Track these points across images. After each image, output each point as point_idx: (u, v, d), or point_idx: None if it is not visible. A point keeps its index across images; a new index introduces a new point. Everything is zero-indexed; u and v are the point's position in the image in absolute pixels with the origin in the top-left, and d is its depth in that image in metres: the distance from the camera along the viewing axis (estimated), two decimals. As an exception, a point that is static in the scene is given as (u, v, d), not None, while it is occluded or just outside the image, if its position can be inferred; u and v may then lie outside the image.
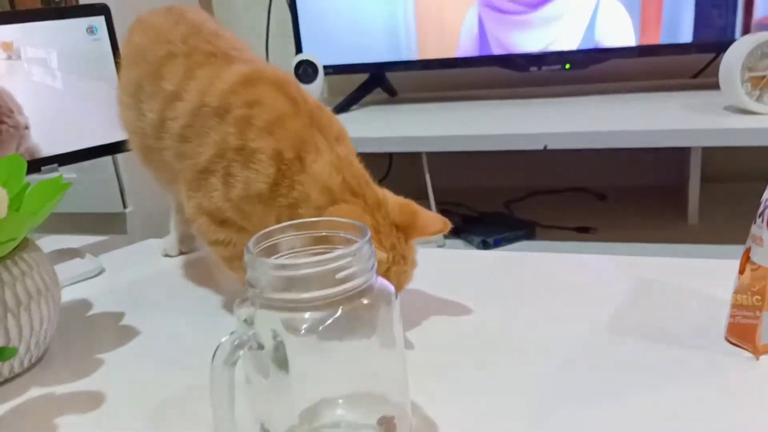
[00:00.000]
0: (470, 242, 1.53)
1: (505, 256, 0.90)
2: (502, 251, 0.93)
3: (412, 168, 1.88)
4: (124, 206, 1.55)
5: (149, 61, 0.72)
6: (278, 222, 0.61)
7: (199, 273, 0.87)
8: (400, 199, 0.66)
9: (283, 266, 0.44)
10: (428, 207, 1.57)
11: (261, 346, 0.44)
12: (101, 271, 0.90)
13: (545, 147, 1.32)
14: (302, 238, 0.50)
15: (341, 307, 0.44)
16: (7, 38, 0.84)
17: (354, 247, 0.44)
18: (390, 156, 1.90)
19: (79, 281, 0.87)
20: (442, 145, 1.41)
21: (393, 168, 1.90)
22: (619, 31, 1.60)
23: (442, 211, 1.61)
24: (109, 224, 1.56)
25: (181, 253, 0.92)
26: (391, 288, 0.47)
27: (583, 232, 1.52)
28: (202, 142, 0.66)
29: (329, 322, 0.44)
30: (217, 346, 0.43)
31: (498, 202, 1.79)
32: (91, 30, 0.90)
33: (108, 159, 1.51)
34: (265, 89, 0.66)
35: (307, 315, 0.44)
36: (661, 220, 1.57)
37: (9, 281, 0.61)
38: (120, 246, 1.00)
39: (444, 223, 0.66)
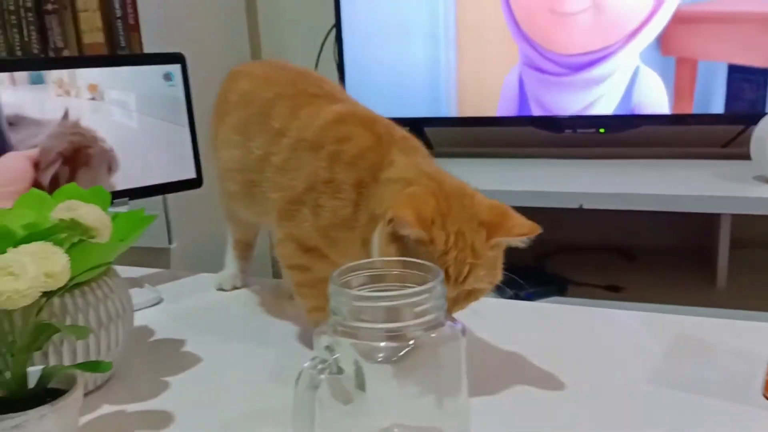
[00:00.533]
0: (501, 295, 1.56)
1: (543, 307, 0.93)
2: (535, 303, 0.97)
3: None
4: (170, 242, 1.62)
5: (258, 103, 0.80)
6: (364, 244, 0.67)
7: (253, 304, 0.92)
8: (494, 201, 0.67)
9: (366, 297, 0.49)
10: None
11: (341, 371, 0.48)
12: (160, 301, 0.95)
13: (581, 206, 1.36)
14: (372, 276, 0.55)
15: (413, 339, 0.49)
16: (94, 81, 0.92)
17: (429, 285, 0.49)
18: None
19: (140, 309, 0.92)
20: (480, 199, 1.46)
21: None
22: (654, 99, 1.66)
23: (474, 263, 1.65)
24: (153, 259, 1.62)
25: (234, 287, 0.97)
26: (459, 325, 0.51)
27: (612, 290, 1.55)
28: (297, 175, 0.72)
29: (403, 352, 0.48)
30: (301, 371, 0.48)
31: (528, 256, 1.82)
32: (167, 77, 0.98)
33: (155, 201, 1.58)
34: (355, 127, 0.72)
35: (382, 344, 0.48)
36: (689, 282, 1.60)
37: (93, 302, 0.66)
38: (171, 279, 1.05)
39: (531, 228, 0.66)
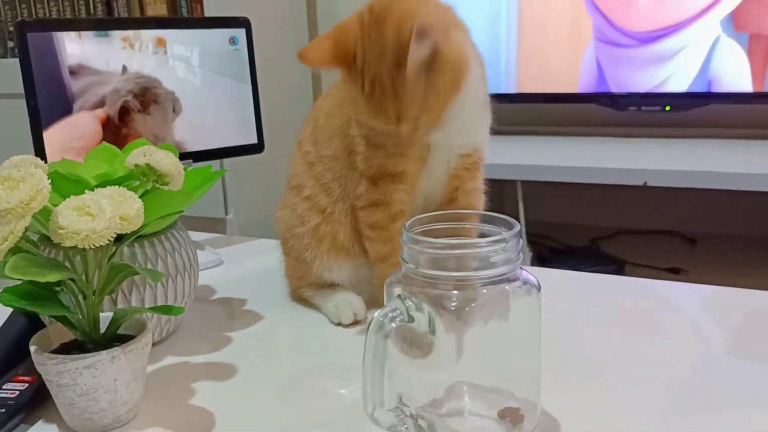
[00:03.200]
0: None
1: (604, 279, 0.91)
2: (599, 275, 0.94)
3: (501, 197, 1.90)
4: (226, 213, 1.64)
5: None
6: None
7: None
8: None
9: (440, 245, 0.48)
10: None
11: (412, 319, 0.48)
12: (221, 263, 0.96)
13: (645, 183, 1.32)
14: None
15: (486, 290, 0.48)
16: (160, 35, 0.93)
17: (503, 236, 0.48)
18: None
19: (203, 269, 0.93)
20: (540, 175, 1.44)
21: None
22: (733, 75, 1.59)
23: (530, 242, 1.63)
24: (210, 228, 1.64)
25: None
26: (535, 281, 0.50)
27: (674, 273, 1.51)
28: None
29: (474, 303, 0.47)
30: (372, 318, 0.47)
31: (585, 239, 1.79)
32: (233, 40, 0.98)
33: (216, 164, 1.60)
34: None
35: (455, 293, 0.47)
36: (754, 268, 1.54)
37: (162, 253, 0.67)
38: (231, 244, 1.06)
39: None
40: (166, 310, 0.54)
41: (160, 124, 0.96)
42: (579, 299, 0.80)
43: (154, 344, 0.70)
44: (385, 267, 0.71)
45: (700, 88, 1.62)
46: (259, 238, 1.06)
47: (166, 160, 0.57)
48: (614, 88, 1.69)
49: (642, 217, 1.84)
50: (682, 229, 1.80)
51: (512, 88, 1.77)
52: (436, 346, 0.49)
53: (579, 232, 1.82)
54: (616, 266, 1.54)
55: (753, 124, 1.75)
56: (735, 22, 1.55)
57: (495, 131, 1.72)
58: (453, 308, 0.47)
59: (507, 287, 0.49)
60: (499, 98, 1.81)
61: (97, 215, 0.50)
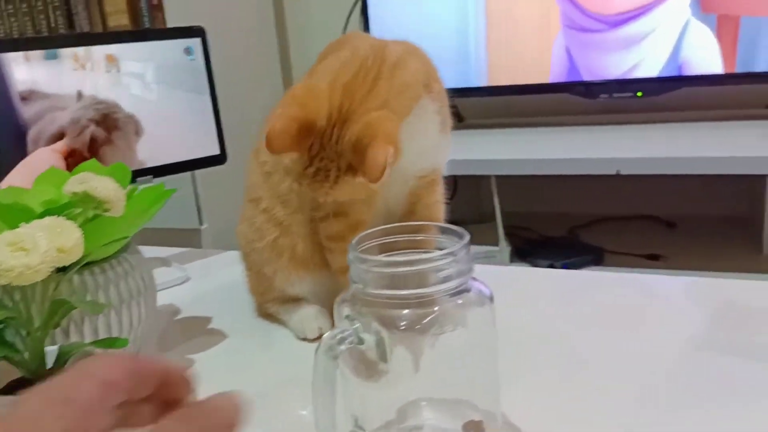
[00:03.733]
0: (537, 266, 1.53)
1: (578, 275, 0.90)
2: (574, 272, 0.93)
3: (476, 193, 1.89)
4: (200, 223, 1.61)
5: None
6: None
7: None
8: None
9: (387, 263, 0.46)
10: (494, 230, 1.59)
11: (362, 341, 0.46)
12: (187, 279, 0.94)
13: (618, 172, 1.31)
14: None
15: (437, 306, 0.46)
16: (111, 52, 0.91)
17: (454, 248, 0.46)
18: (455, 180, 1.92)
19: (167, 288, 0.91)
20: (513, 169, 1.42)
21: (458, 192, 1.92)
22: (703, 58, 1.58)
23: (508, 235, 1.62)
24: (185, 240, 1.62)
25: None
26: (487, 291, 0.49)
27: (652, 259, 1.50)
28: None
29: (427, 320, 0.46)
30: (321, 341, 0.46)
31: (563, 228, 1.78)
32: (188, 51, 0.96)
33: (187, 176, 1.58)
34: None
35: (405, 312, 0.46)
36: (733, 250, 1.54)
37: (113, 279, 0.65)
38: (202, 257, 1.04)
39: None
40: (109, 343, 0.52)
41: (125, 151, 0.93)
42: (555, 297, 0.79)
43: (113, 372, 0.68)
44: (347, 279, 0.69)
45: (671, 72, 1.61)
46: (234, 248, 1.03)
47: (104, 186, 0.55)
48: (586, 76, 1.68)
49: (620, 203, 1.84)
50: (660, 214, 1.80)
51: (483, 81, 1.76)
52: (390, 367, 0.47)
53: (557, 222, 1.81)
54: (595, 255, 1.53)
55: (725, 106, 1.75)
56: (702, 3, 1.54)
57: (467, 125, 1.71)
58: (404, 327, 0.46)
59: (459, 301, 0.47)
60: (469, 92, 1.82)
61: (32, 250, 0.48)
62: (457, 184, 1.92)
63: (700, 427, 0.51)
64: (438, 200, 0.73)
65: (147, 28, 1.60)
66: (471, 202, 1.91)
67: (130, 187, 0.65)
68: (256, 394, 0.61)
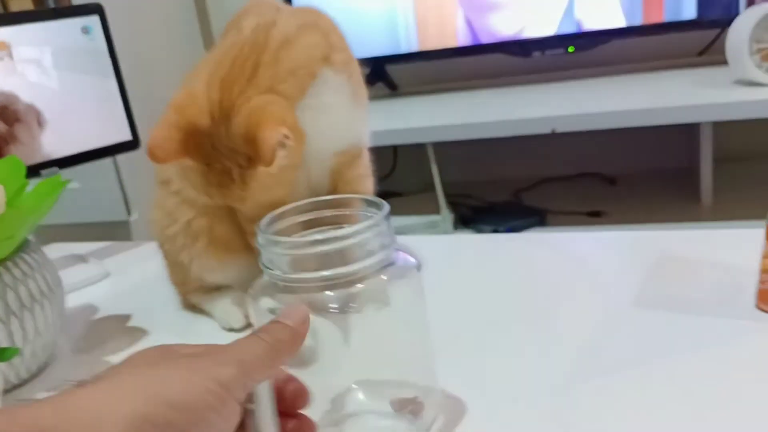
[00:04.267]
0: (480, 232, 1.51)
1: (519, 238, 0.87)
2: (515, 234, 0.90)
3: (418, 163, 1.86)
4: (128, 214, 1.54)
5: None
6: None
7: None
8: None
9: (304, 244, 0.42)
10: (436, 199, 1.55)
11: None
12: (106, 276, 0.88)
13: (553, 131, 1.29)
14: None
15: (361, 284, 0.42)
16: (1, 38, 0.83)
17: (372, 221, 0.42)
18: (395, 150, 1.88)
19: (85, 286, 0.85)
20: (448, 135, 1.39)
21: (398, 163, 1.88)
22: (609, 13, 1.57)
23: (451, 203, 1.59)
24: (113, 233, 1.54)
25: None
26: (414, 261, 0.45)
27: (594, 216, 1.50)
28: None
29: (353, 299, 0.42)
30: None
31: (507, 192, 1.76)
32: (85, 30, 0.89)
33: (110, 167, 1.50)
34: None
35: (331, 294, 0.42)
36: (673, 201, 1.54)
37: (11, 283, 0.59)
38: (124, 251, 0.98)
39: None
40: (-3, 354, 0.46)
41: (29, 144, 0.86)
42: (495, 261, 0.76)
43: (23, 383, 0.63)
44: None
45: (568, 29, 1.59)
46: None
47: (-25, 183, 0.49)
48: (496, 39, 1.64)
49: (561, 163, 1.83)
50: (601, 171, 1.80)
51: (413, 47, 1.71)
52: (321, 353, 0.44)
53: (500, 187, 1.79)
54: (539, 217, 1.52)
55: (656, 57, 1.75)
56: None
57: (401, 93, 1.66)
58: (330, 310, 0.42)
59: (384, 276, 0.43)
60: (400, 59, 1.77)
61: None
62: (397, 155, 1.89)
63: (641, 383, 0.49)
64: (362, 174, 0.69)
65: (38, 9, 1.50)
66: (412, 172, 1.87)
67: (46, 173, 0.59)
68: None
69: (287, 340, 0.37)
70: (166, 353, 0.35)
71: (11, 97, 0.85)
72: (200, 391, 0.31)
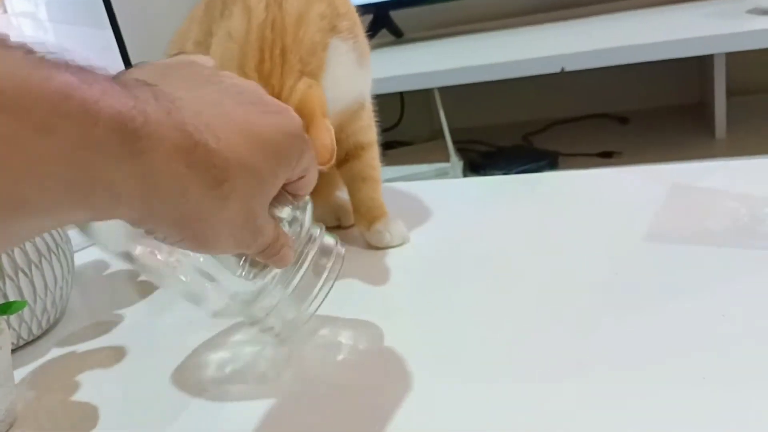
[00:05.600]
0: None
1: (529, 178, 0.86)
2: (525, 176, 0.89)
3: (426, 111, 1.83)
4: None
5: None
6: None
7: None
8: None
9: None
10: (445, 146, 1.53)
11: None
12: (116, 232, 0.88)
13: (562, 69, 1.26)
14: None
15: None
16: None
17: None
18: (401, 98, 1.85)
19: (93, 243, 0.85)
20: (454, 79, 1.36)
21: (406, 111, 1.85)
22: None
23: (460, 150, 1.57)
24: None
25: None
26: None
27: (606, 157, 1.47)
28: None
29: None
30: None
31: (517, 136, 1.74)
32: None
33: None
34: None
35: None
36: (687, 138, 1.51)
37: (16, 240, 0.59)
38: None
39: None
40: (4, 309, 0.46)
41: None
42: (505, 203, 0.75)
43: (37, 338, 0.63)
44: None
45: None
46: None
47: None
48: None
49: (571, 104, 1.79)
50: (612, 111, 1.76)
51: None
52: None
53: (510, 131, 1.77)
54: (550, 160, 1.49)
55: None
56: None
57: (407, 40, 1.62)
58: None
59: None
60: (406, 3, 1.72)
61: None
62: (404, 104, 1.86)
63: (657, 317, 0.48)
64: (364, 125, 0.68)
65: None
66: (420, 120, 1.85)
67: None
68: (183, 349, 0.56)
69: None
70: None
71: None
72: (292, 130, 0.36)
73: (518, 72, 1.29)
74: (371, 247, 0.68)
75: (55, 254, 0.63)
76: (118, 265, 0.78)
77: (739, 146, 1.40)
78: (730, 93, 1.46)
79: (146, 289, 0.70)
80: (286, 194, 0.40)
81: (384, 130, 0.72)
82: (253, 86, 0.38)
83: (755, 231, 0.58)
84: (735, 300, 0.49)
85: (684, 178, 0.71)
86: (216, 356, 0.55)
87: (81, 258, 0.77)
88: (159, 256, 0.43)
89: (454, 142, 1.54)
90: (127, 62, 0.92)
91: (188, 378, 0.52)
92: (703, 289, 0.51)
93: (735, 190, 0.67)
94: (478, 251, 0.64)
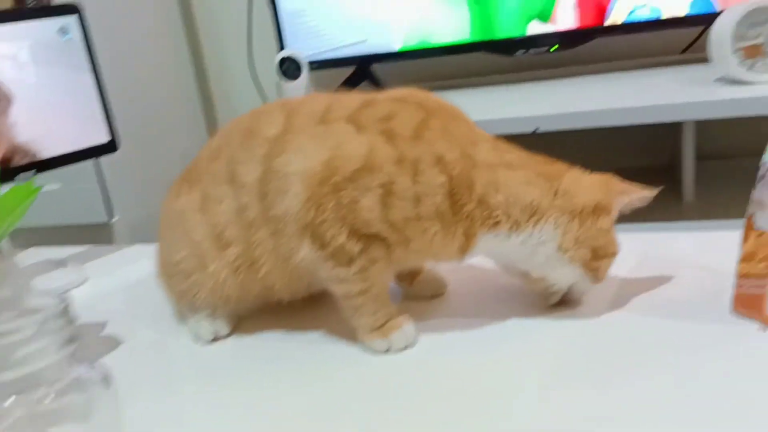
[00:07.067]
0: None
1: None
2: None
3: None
4: (110, 216, 1.52)
5: None
6: (468, 239, 0.58)
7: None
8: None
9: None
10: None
11: None
12: (85, 281, 0.87)
13: (536, 130, 1.29)
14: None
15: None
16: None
17: None
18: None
19: (63, 292, 0.84)
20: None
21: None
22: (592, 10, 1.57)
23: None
24: (95, 236, 1.53)
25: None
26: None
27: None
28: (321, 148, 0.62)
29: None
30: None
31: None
32: (63, 30, 0.88)
33: (91, 167, 1.48)
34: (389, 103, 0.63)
35: None
36: (656, 199, 1.54)
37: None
38: (105, 255, 0.97)
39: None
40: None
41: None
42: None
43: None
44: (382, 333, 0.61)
45: (551, 28, 1.59)
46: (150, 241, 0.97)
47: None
48: (483, 37, 1.64)
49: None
50: (585, 169, 1.79)
51: (398, 46, 1.71)
52: None
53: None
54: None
55: (640, 54, 1.75)
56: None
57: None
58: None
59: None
60: (386, 57, 1.75)
61: None
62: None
63: (616, 387, 0.49)
64: None
65: (13, 8, 1.48)
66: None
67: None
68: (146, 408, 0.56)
69: None
70: None
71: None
72: None
73: (494, 130, 1.30)
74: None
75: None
76: (86, 316, 0.77)
77: (707, 209, 1.43)
78: (699, 157, 1.50)
79: (112, 343, 0.69)
80: None
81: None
82: None
83: (715, 304, 0.59)
84: (694, 373, 0.50)
85: (652, 246, 0.73)
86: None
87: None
88: None
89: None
90: (106, 110, 0.93)
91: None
92: (664, 362, 0.52)
93: (700, 260, 0.68)
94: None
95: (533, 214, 0.57)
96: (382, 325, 0.59)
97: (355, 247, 0.56)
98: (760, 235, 0.55)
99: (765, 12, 1.26)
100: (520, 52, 1.65)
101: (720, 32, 1.29)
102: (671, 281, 0.65)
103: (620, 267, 0.68)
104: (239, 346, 0.65)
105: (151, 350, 0.68)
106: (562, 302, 0.62)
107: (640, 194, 0.61)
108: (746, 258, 0.57)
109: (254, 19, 1.94)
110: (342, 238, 0.56)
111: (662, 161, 1.74)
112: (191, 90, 1.99)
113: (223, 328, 0.67)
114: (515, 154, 0.61)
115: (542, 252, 0.58)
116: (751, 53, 1.28)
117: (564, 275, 0.59)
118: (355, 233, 0.56)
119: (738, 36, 1.27)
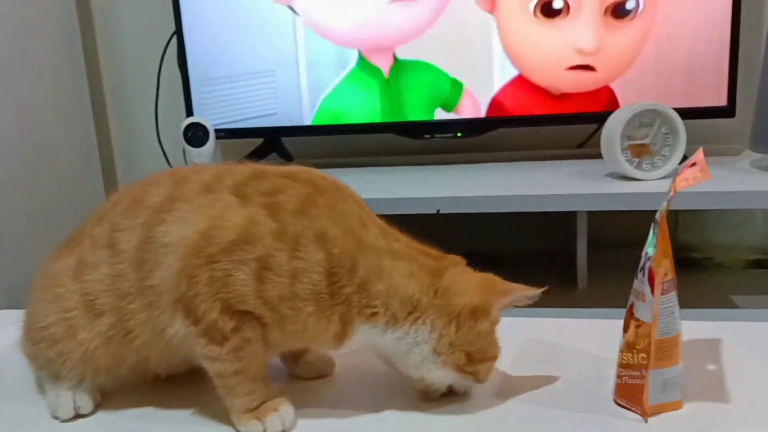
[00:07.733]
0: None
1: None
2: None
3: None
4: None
5: None
6: (344, 326, 0.56)
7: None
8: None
9: None
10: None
11: None
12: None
13: (438, 211, 1.31)
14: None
15: None
16: None
17: None
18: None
19: None
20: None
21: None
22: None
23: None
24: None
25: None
26: None
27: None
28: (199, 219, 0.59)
29: None
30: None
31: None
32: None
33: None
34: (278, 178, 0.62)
35: None
36: (552, 284, 1.58)
37: None
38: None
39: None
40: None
41: None
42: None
43: None
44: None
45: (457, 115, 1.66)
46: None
47: None
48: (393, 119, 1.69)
49: (444, 241, 1.84)
50: (482, 250, 1.82)
51: (308, 121, 1.72)
52: None
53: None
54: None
55: (539, 146, 1.83)
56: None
57: (297, 164, 1.61)
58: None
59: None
60: (296, 131, 1.76)
61: None
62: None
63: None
64: None
65: None
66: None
67: None
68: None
69: None
70: None
71: None
72: None
73: (397, 209, 1.32)
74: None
75: None
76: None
77: (599, 295, 1.49)
78: (592, 245, 1.56)
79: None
80: None
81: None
82: None
83: (597, 393, 0.60)
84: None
85: (540, 331, 0.74)
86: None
87: None
88: None
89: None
90: None
91: None
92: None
93: (586, 348, 0.69)
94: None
95: (412, 311, 0.57)
96: (257, 407, 0.56)
97: (228, 324, 0.54)
98: (639, 325, 0.57)
99: (652, 114, 1.35)
100: (427, 136, 1.69)
101: (610, 131, 1.38)
102: (559, 368, 0.66)
103: (510, 350, 0.68)
104: (100, 423, 0.60)
105: (9, 427, 0.61)
106: (450, 391, 0.61)
107: (523, 293, 0.61)
108: (626, 348, 0.58)
109: (163, 82, 1.91)
110: (215, 314, 0.54)
111: (559, 246, 1.80)
112: (90, 147, 1.92)
113: (86, 403, 0.62)
114: (403, 243, 0.61)
115: (417, 352, 0.57)
116: (638, 153, 1.36)
117: (440, 377, 0.59)
118: (229, 309, 0.54)
119: (626, 135, 1.36)
